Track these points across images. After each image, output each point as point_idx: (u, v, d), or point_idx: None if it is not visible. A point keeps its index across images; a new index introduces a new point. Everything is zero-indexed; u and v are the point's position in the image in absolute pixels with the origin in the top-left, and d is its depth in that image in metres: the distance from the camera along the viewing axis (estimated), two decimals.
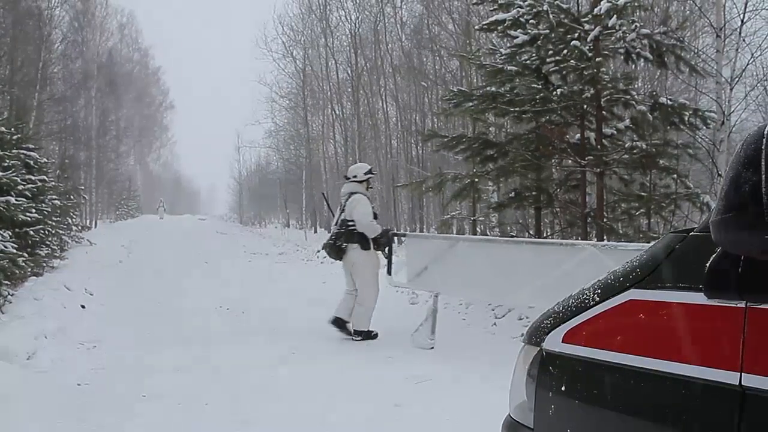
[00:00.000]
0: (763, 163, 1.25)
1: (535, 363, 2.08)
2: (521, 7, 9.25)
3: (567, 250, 6.40)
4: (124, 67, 49.59)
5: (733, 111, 9.61)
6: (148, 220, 52.67)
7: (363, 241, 8.37)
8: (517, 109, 9.39)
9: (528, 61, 9.71)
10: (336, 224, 8.68)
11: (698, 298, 1.54)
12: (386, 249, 8.69)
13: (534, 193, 10.09)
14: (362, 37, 29.75)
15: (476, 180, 10.50)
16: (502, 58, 10.02)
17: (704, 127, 9.37)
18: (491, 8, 10.47)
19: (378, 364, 6.83)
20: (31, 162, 12.80)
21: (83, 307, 9.99)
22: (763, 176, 1.24)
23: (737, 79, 9.40)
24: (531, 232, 10.95)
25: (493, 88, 9.78)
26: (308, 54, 34.34)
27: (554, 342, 2.02)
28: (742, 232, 1.31)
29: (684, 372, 1.56)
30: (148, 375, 6.46)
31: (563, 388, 1.93)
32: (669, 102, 9.00)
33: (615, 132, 9.57)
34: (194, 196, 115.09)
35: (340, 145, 33.79)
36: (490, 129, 12.53)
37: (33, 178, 12.28)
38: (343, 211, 8.59)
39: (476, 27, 12.60)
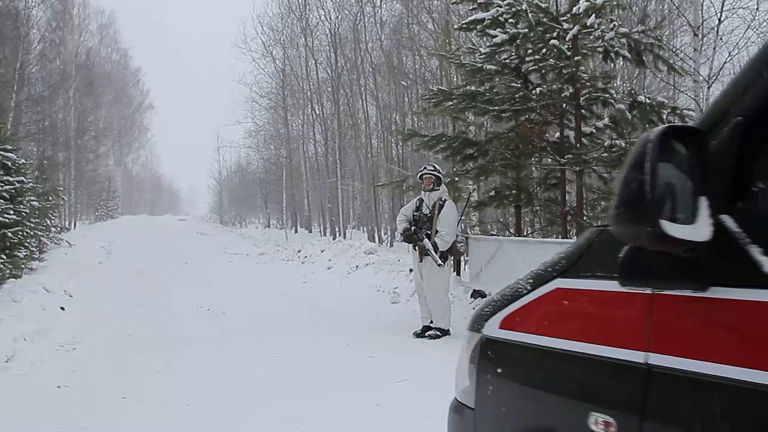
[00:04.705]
0: (646, 164, 1.43)
1: (476, 348, 2.26)
2: (500, 6, 9.29)
3: None
4: (103, 67, 49.25)
5: None
6: (128, 221, 52.41)
7: None
8: (496, 107, 9.42)
9: (507, 60, 9.75)
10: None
11: (613, 285, 1.70)
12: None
13: (514, 191, 10.12)
14: (342, 37, 29.76)
15: (456, 179, 10.52)
16: (482, 57, 10.04)
17: None
18: (470, 7, 10.49)
19: (359, 364, 6.83)
20: (9, 163, 12.68)
21: (63, 308, 9.90)
22: (646, 176, 1.42)
23: (715, 77, 9.49)
24: (511, 230, 10.98)
25: (473, 87, 9.81)
26: (288, 54, 34.35)
27: (492, 328, 2.20)
28: (631, 226, 1.49)
29: (600, 353, 1.73)
30: (129, 376, 6.43)
31: (499, 371, 2.12)
32: (647, 100, 9.07)
33: (594, 130, 9.63)
34: (175, 197, 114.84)
35: (320, 145, 33.82)
36: (470, 128, 12.55)
37: (11, 179, 12.18)
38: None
39: (455, 26, 12.65)
